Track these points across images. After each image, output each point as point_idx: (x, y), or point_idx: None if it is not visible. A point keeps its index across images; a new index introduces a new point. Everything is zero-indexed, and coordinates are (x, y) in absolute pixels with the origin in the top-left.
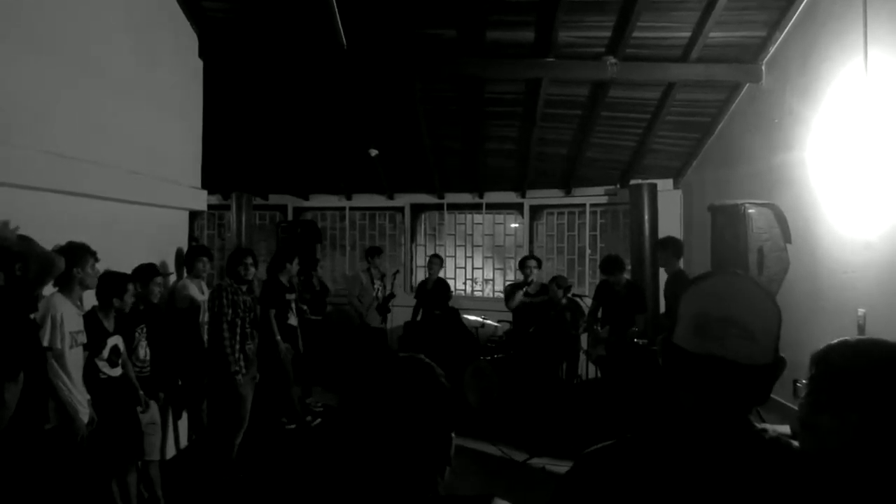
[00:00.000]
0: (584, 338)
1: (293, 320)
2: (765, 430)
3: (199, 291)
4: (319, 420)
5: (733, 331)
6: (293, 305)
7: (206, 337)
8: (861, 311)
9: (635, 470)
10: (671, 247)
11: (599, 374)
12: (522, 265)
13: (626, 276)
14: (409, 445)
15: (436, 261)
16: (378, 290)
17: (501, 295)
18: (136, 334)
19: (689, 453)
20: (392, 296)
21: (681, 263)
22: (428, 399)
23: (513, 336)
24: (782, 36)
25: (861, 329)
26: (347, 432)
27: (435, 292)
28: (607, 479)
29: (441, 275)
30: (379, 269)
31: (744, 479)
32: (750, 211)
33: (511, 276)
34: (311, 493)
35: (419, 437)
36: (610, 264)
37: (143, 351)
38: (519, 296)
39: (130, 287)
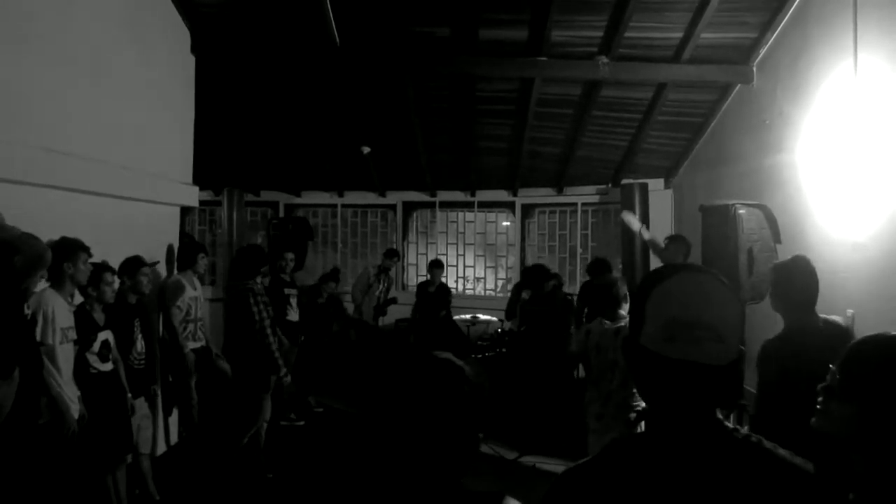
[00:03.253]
0: None
1: (293, 316)
2: (736, 429)
3: (192, 287)
4: (303, 422)
5: (705, 334)
6: (292, 301)
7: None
8: (850, 311)
9: (615, 483)
10: (679, 241)
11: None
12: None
13: (618, 273)
14: (438, 444)
15: (436, 268)
16: (381, 290)
17: (493, 293)
18: (134, 327)
19: (668, 459)
20: (393, 300)
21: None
22: (458, 400)
23: (506, 335)
24: (773, 37)
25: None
26: (377, 430)
27: (437, 295)
28: (587, 497)
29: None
30: (388, 271)
31: (722, 480)
32: (740, 211)
33: (503, 275)
34: (335, 490)
35: (448, 437)
36: (597, 267)
37: (140, 344)
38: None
39: (108, 276)
